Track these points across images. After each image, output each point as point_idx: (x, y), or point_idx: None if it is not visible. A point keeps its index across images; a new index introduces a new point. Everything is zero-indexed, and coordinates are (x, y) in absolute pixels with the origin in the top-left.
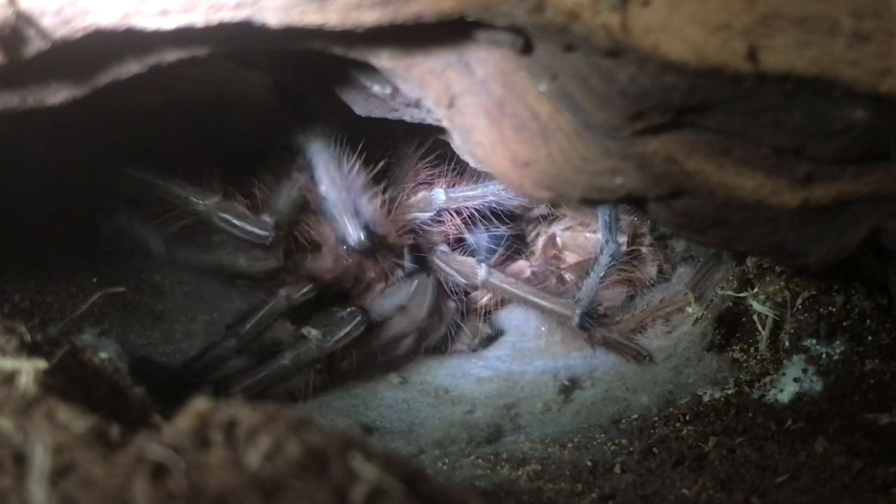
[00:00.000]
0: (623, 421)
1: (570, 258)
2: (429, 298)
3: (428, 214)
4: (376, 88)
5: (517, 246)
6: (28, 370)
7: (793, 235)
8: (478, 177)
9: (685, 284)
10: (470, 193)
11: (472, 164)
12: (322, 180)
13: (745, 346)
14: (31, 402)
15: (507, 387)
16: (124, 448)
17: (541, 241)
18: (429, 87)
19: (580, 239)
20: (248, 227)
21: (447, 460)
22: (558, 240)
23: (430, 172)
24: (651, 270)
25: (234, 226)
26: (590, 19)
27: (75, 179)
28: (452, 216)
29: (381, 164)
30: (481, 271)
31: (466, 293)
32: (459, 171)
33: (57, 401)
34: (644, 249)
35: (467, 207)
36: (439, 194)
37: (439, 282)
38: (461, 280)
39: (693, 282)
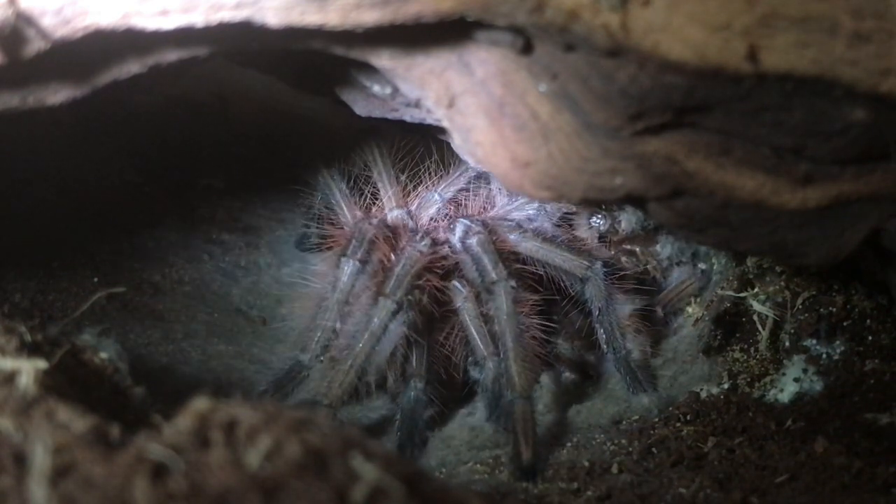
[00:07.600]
0: (623, 422)
1: None
2: None
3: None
4: (376, 88)
5: None
6: (28, 370)
7: (793, 235)
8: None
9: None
10: (451, 185)
11: (472, 163)
12: None
13: (745, 346)
14: (31, 402)
15: None
16: (124, 448)
17: (482, 195)
18: (429, 87)
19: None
20: None
21: (444, 469)
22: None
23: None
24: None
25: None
26: (590, 19)
27: (76, 178)
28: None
29: None
30: None
31: None
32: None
33: (57, 401)
34: (624, 258)
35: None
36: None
37: None
38: None
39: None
